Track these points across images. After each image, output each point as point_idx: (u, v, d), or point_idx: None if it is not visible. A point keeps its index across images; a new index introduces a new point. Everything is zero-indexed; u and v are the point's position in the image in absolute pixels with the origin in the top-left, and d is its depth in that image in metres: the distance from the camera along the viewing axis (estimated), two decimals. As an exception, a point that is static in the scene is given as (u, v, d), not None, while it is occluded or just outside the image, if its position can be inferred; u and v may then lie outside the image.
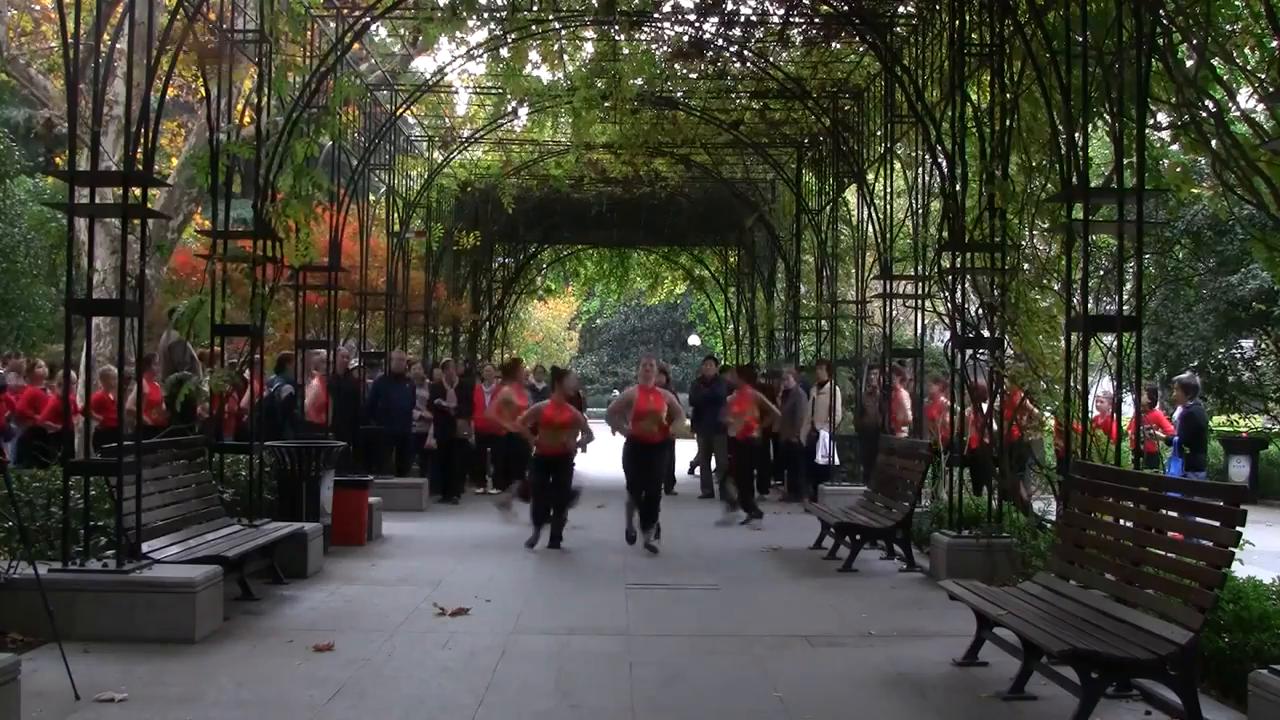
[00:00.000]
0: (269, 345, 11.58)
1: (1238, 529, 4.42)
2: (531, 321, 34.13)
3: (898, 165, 12.80)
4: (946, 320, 8.98)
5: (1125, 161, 6.70)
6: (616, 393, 13.72)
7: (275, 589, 7.53)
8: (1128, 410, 7.51)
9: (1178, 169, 8.32)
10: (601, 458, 11.77)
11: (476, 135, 15.51)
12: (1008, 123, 8.24)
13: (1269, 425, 18.33)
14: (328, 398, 11.73)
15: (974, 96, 8.92)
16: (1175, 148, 8.13)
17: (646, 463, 9.90)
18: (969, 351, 8.62)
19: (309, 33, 10.09)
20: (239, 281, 9.95)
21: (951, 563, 7.91)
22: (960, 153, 8.65)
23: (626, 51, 12.42)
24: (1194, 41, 6.92)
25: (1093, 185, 6.92)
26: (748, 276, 21.79)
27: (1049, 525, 8.06)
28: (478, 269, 21.51)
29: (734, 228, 20.13)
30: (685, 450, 16.21)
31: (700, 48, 11.84)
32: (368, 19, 9.83)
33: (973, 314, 8.67)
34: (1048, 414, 9.88)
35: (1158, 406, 11.86)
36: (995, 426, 8.49)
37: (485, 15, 10.88)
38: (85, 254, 6.96)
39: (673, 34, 11.92)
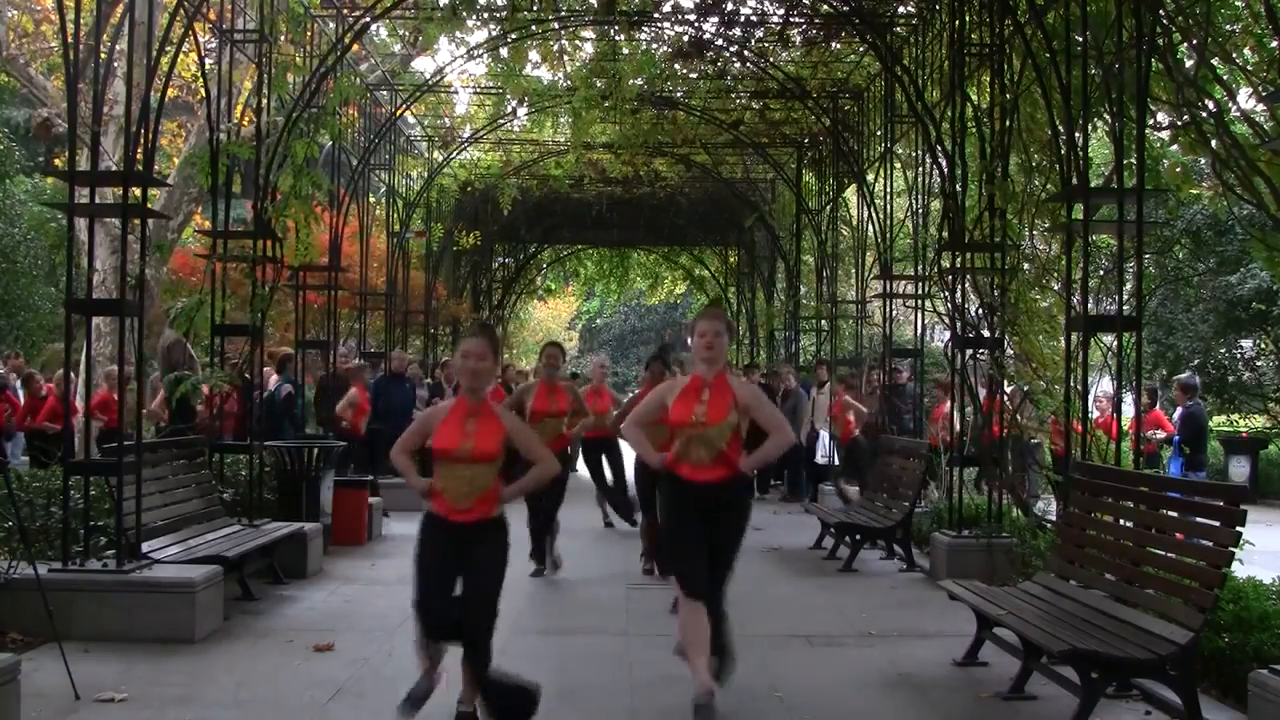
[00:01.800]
0: (269, 345, 11.59)
1: (1238, 529, 4.42)
2: (531, 321, 34.13)
3: (898, 165, 12.80)
4: (946, 320, 8.99)
5: (1125, 161, 6.71)
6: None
7: (275, 589, 7.53)
8: (1128, 410, 7.51)
9: (1178, 169, 8.32)
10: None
11: (476, 135, 15.52)
12: (1008, 123, 8.24)
13: (1269, 425, 18.33)
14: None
15: (974, 96, 8.92)
16: (1175, 148, 8.14)
17: (700, 521, 4.87)
18: (969, 351, 8.63)
19: (309, 33, 10.09)
20: (239, 281, 9.96)
21: (951, 563, 7.91)
22: (960, 153, 8.65)
23: (626, 51, 12.42)
24: (1194, 41, 6.92)
25: (1093, 185, 6.92)
26: (748, 276, 21.79)
27: (1049, 525, 8.06)
28: (478, 269, 21.53)
29: (734, 228, 20.14)
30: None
31: (700, 48, 11.84)
32: (368, 19, 9.83)
33: (973, 314, 8.67)
34: (1049, 415, 9.89)
35: (1158, 406, 11.86)
36: (980, 424, 8.49)
37: (485, 15, 10.89)
38: (85, 254, 6.96)
39: (673, 34, 11.92)
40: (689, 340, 4.95)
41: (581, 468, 10.90)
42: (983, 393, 8.81)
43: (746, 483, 5.13)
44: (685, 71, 12.96)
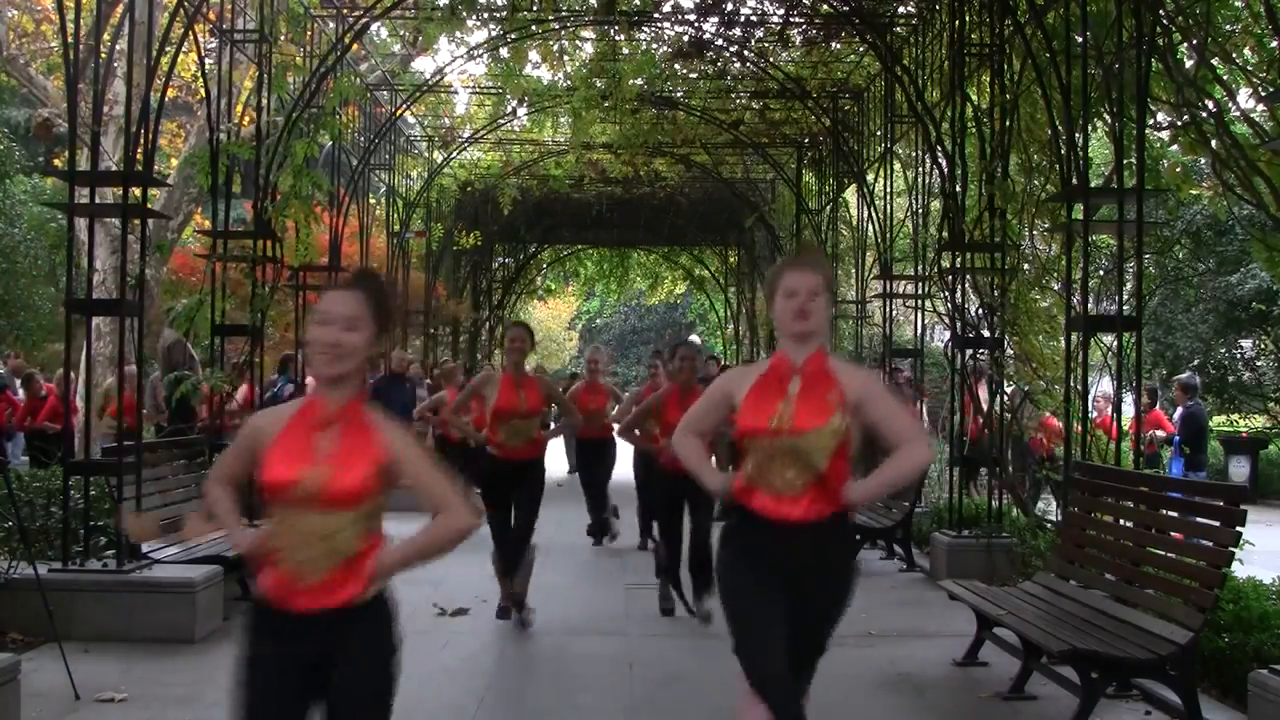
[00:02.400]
0: (269, 345, 11.59)
1: (1238, 529, 4.43)
2: (531, 321, 34.14)
3: (898, 165, 12.80)
4: (946, 320, 8.99)
5: (1125, 161, 6.71)
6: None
7: (275, 589, 7.52)
8: (1128, 410, 7.51)
9: (1178, 169, 8.33)
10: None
11: (476, 135, 15.52)
12: (1008, 123, 8.25)
13: (1269, 425, 18.34)
14: None
15: (974, 96, 8.93)
16: (1175, 148, 8.14)
17: (780, 588, 3.15)
18: (969, 351, 8.63)
19: (309, 33, 10.09)
20: (239, 281, 9.96)
21: (951, 563, 7.91)
22: (960, 153, 8.65)
23: (626, 51, 12.42)
24: (1194, 41, 6.93)
25: (1093, 185, 6.93)
26: (748, 276, 21.78)
27: (1049, 525, 8.06)
28: (478, 269, 21.52)
29: (734, 228, 20.14)
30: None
31: (700, 48, 11.84)
32: (368, 19, 9.83)
33: (973, 314, 8.67)
34: (1046, 414, 9.89)
35: (1157, 406, 11.87)
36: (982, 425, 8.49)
37: (485, 15, 10.89)
38: (85, 254, 6.97)
39: (673, 34, 11.93)
40: (773, 301, 3.25)
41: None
42: (982, 393, 8.82)
43: (850, 528, 3.57)
44: (685, 71, 12.95)
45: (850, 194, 15.00)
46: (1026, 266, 8.83)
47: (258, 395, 9.27)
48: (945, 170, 8.74)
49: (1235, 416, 18.92)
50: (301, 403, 2.75)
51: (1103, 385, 8.98)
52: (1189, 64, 7.13)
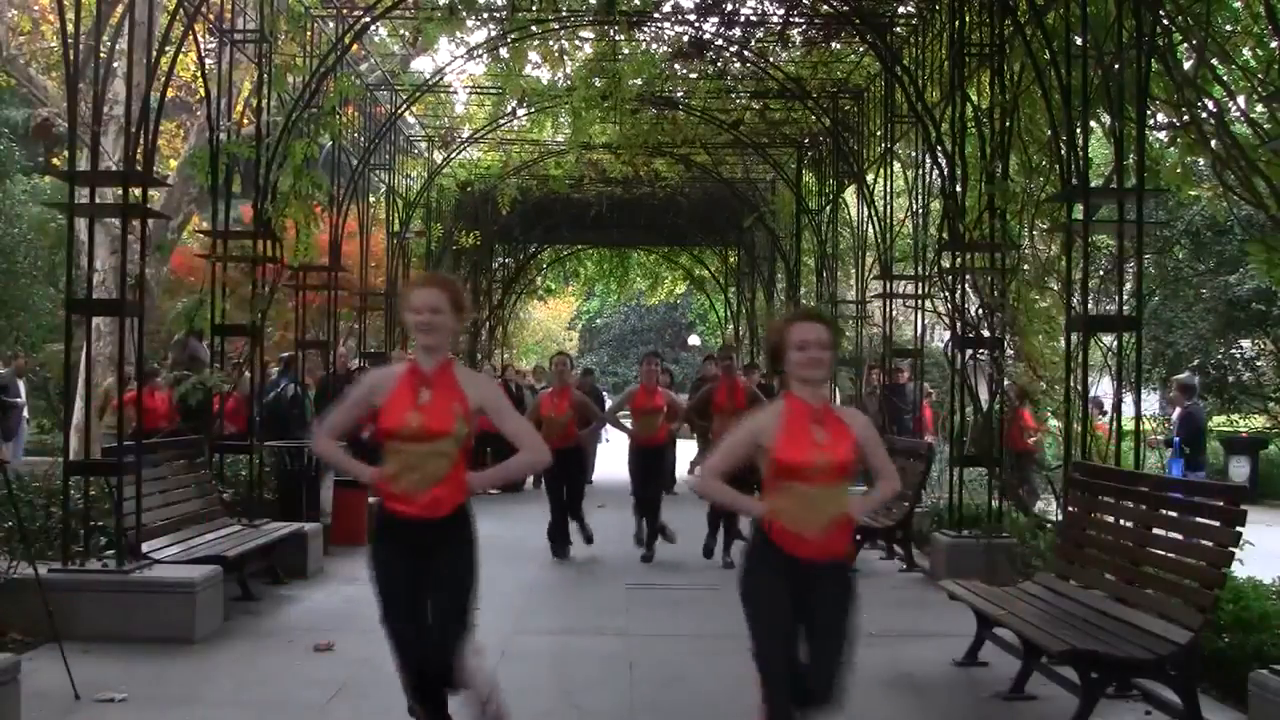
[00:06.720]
0: (269, 345, 11.59)
1: (1238, 529, 4.43)
2: (531, 321, 34.11)
3: (898, 165, 12.79)
4: (946, 320, 8.99)
5: (1125, 162, 6.71)
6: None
7: (275, 589, 7.53)
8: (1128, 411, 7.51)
9: (1178, 169, 8.32)
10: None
11: (476, 135, 15.52)
12: (1008, 123, 8.25)
13: (1269, 425, 18.34)
14: None
15: (974, 96, 8.93)
16: (1174, 150, 8.14)
17: None
18: (969, 351, 8.63)
19: (309, 33, 10.09)
20: (239, 281, 9.96)
21: (951, 563, 7.91)
22: (960, 153, 8.66)
23: (626, 51, 12.42)
24: (1194, 41, 6.93)
25: (1093, 185, 6.93)
26: (748, 276, 21.79)
27: (1049, 525, 8.06)
28: (478, 269, 21.51)
29: (734, 228, 20.13)
30: (686, 449, 16.17)
31: (700, 48, 11.84)
32: (368, 19, 9.82)
33: (973, 314, 8.68)
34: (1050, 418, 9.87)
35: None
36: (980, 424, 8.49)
37: (485, 15, 10.89)
38: (85, 254, 6.97)
39: (673, 34, 11.92)
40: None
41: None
42: (982, 393, 8.82)
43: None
44: (685, 71, 12.95)
45: (850, 194, 15.00)
46: (1026, 267, 8.83)
47: (256, 392, 9.28)
48: (945, 170, 8.74)
49: (1235, 416, 18.92)
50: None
51: (1103, 385, 8.99)
52: (1189, 64, 7.13)
